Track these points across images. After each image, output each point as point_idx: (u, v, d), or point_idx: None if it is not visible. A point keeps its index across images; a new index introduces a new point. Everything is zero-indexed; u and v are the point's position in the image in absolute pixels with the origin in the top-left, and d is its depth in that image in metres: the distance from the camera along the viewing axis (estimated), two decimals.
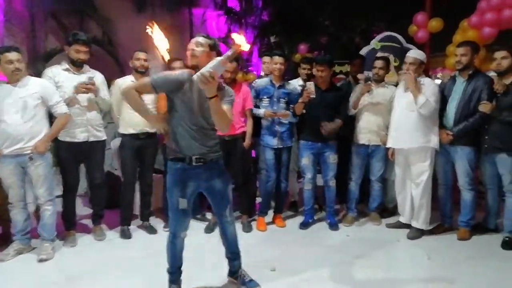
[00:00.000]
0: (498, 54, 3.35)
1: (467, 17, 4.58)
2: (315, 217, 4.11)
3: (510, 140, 3.28)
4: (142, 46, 3.69)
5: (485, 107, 3.30)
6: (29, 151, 3.12)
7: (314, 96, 3.58)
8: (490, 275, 2.89)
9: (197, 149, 2.37)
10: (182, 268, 2.61)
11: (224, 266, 2.80)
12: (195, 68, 2.30)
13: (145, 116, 2.53)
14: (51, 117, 3.31)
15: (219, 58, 2.15)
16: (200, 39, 2.36)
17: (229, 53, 2.15)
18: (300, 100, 3.70)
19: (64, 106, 3.25)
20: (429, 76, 5.12)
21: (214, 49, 2.39)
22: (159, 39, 2.45)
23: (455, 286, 2.75)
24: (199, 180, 2.43)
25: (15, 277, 2.93)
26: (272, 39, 8.20)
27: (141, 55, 3.66)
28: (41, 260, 3.14)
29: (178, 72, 2.42)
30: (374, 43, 5.09)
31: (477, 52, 3.50)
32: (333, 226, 3.93)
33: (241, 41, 2.13)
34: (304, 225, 3.94)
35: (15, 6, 5.74)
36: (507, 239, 3.39)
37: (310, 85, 3.59)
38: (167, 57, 2.45)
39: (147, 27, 2.43)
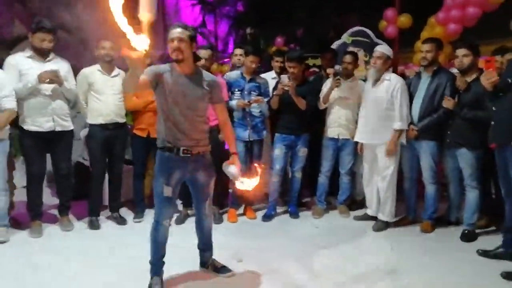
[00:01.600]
0: (459, 52, 3.43)
1: (435, 13, 4.69)
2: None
3: (470, 135, 3.40)
4: (111, 33, 3.60)
5: (448, 102, 3.42)
6: None
7: (288, 89, 3.62)
8: (448, 266, 3.01)
9: (184, 141, 2.43)
10: (164, 260, 2.60)
11: (194, 258, 2.84)
12: (181, 62, 2.37)
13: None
14: None
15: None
16: (181, 33, 2.35)
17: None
18: (275, 93, 3.75)
19: (13, 101, 3.19)
20: (403, 72, 5.25)
21: (194, 40, 2.43)
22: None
23: (415, 276, 2.85)
24: (184, 170, 2.48)
25: None
26: (248, 30, 8.14)
27: (106, 44, 3.60)
28: None
29: (162, 66, 2.45)
30: (346, 37, 5.14)
31: (441, 48, 3.62)
32: (293, 215, 4.05)
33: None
34: (267, 217, 4.00)
35: None
36: (466, 231, 3.51)
37: (284, 77, 3.64)
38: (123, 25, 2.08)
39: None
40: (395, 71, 5.11)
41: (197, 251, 2.87)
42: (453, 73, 3.62)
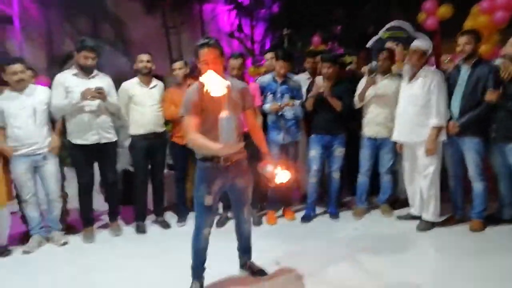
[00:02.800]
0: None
1: (477, 2, 4.45)
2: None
3: None
4: (152, 45, 3.79)
5: (491, 95, 3.24)
6: (41, 151, 3.46)
7: (323, 91, 3.60)
8: (503, 268, 2.84)
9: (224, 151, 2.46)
10: (205, 265, 2.69)
11: (234, 259, 2.93)
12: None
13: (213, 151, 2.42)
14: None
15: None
16: (214, 50, 2.40)
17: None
18: (309, 96, 3.76)
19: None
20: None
21: (222, 54, 2.50)
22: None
23: (465, 279, 2.72)
24: (224, 179, 2.55)
25: (36, 271, 3.10)
26: (284, 31, 8.15)
27: (144, 57, 3.79)
28: (25, 252, 3.40)
29: (192, 93, 2.47)
30: (382, 33, 5.01)
31: (479, 40, 3.44)
32: (333, 216, 4.02)
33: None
34: (305, 218, 3.99)
35: (30, 12, 5.96)
36: None
37: (319, 79, 3.63)
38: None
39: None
40: (437, 63, 4.93)
41: (237, 253, 2.95)
42: (495, 64, 3.41)
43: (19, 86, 3.40)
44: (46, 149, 3.49)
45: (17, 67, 3.36)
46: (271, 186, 2.83)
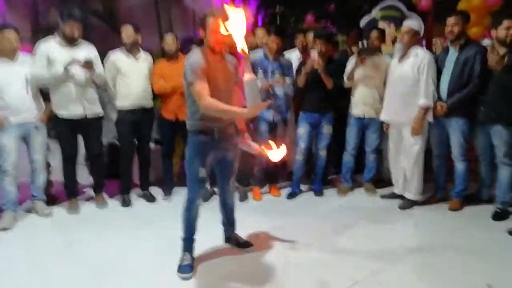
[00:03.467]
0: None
1: None
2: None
3: (506, 111, 3.24)
4: (143, 18, 3.70)
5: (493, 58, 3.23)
6: (33, 121, 3.42)
7: (317, 67, 3.60)
8: (476, 246, 2.94)
9: (219, 123, 2.48)
10: (194, 237, 2.71)
11: (220, 233, 2.98)
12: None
13: (238, 115, 2.41)
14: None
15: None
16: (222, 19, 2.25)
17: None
18: (304, 70, 3.74)
19: None
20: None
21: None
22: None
23: (441, 255, 2.80)
24: (217, 152, 2.57)
25: (19, 243, 3.09)
26: (277, 9, 8.00)
27: (128, 29, 3.69)
28: (3, 229, 3.24)
29: (198, 60, 2.38)
30: (375, 12, 4.97)
31: (468, 21, 3.44)
32: (318, 193, 4.08)
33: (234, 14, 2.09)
34: (291, 195, 4.04)
35: None
36: (498, 210, 3.41)
37: (314, 52, 3.61)
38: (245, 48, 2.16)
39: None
40: (428, 46, 4.92)
41: (221, 227, 2.98)
42: (483, 45, 3.43)
43: (12, 55, 3.31)
44: (37, 119, 3.45)
45: (12, 33, 3.27)
46: (267, 162, 2.80)
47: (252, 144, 2.62)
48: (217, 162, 2.67)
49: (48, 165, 3.79)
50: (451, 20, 3.38)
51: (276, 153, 2.46)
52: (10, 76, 3.31)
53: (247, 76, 2.13)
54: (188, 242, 2.70)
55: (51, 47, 3.41)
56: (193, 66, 2.35)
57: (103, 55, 3.74)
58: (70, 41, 3.45)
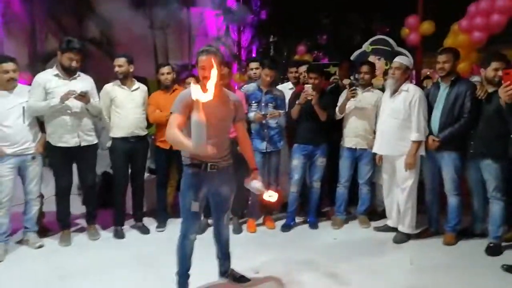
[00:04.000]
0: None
1: (459, 20, 4.59)
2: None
3: (495, 146, 3.31)
4: (138, 46, 3.76)
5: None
6: (31, 152, 3.44)
7: (311, 98, 3.67)
8: (471, 283, 2.94)
9: (211, 158, 2.47)
10: (189, 272, 2.68)
11: (214, 267, 2.93)
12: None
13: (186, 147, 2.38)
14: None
15: None
16: (212, 57, 2.38)
17: None
18: (297, 102, 3.80)
19: None
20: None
21: (222, 63, 2.53)
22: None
23: None
24: (210, 185, 2.58)
25: (10, 276, 3.03)
26: (271, 38, 8.23)
27: (120, 60, 3.74)
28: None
29: (187, 94, 2.39)
30: (366, 46, 5.12)
31: (458, 58, 3.55)
32: (313, 225, 4.08)
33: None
34: (286, 227, 4.02)
35: (13, 8, 5.84)
36: (491, 245, 3.41)
37: (308, 87, 3.68)
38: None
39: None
40: (417, 78, 5.06)
41: (217, 261, 2.95)
42: (472, 82, 3.54)
43: (10, 86, 3.34)
44: (34, 149, 3.45)
45: (10, 65, 3.30)
46: (260, 199, 2.83)
47: (256, 185, 2.63)
48: (211, 195, 2.68)
49: (41, 196, 3.75)
50: (442, 58, 3.49)
51: (270, 196, 2.58)
52: (8, 106, 3.32)
53: (195, 116, 2.14)
54: (183, 278, 2.67)
55: (49, 80, 3.44)
56: (179, 98, 2.45)
57: (100, 82, 3.78)
58: (68, 73, 3.48)
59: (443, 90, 3.54)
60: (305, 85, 3.79)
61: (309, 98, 3.69)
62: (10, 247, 3.45)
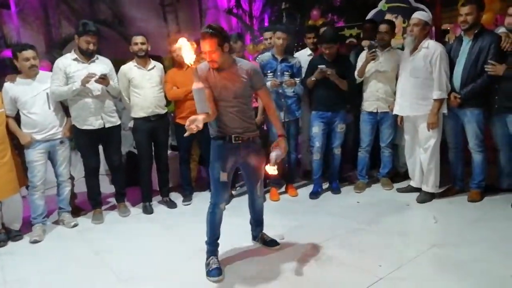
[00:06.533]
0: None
1: None
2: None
3: None
4: (151, 24, 3.74)
5: (496, 68, 3.22)
6: (59, 136, 3.54)
7: (328, 74, 3.63)
8: (498, 236, 2.93)
9: (234, 129, 2.58)
10: (218, 241, 2.77)
11: (240, 233, 3.04)
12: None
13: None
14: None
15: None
16: (211, 39, 2.39)
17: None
18: (313, 78, 3.76)
19: None
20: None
21: (226, 41, 2.48)
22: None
23: (462, 248, 2.80)
24: (237, 156, 2.65)
25: (51, 254, 3.19)
26: (283, 5, 8.00)
27: (138, 39, 3.75)
28: (35, 241, 3.35)
29: (200, 68, 2.49)
30: (381, 5, 4.93)
31: (482, 9, 3.38)
32: (335, 191, 4.10)
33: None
34: (314, 194, 4.06)
35: None
36: None
37: (322, 67, 3.63)
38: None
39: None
40: (437, 34, 4.87)
41: (243, 227, 3.06)
42: (497, 33, 3.38)
43: (32, 73, 3.42)
44: (61, 133, 3.56)
45: (30, 53, 3.36)
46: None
47: (273, 155, 2.65)
48: (241, 166, 2.76)
49: (72, 177, 3.90)
50: (464, 10, 3.33)
51: (269, 169, 2.61)
52: (33, 94, 3.42)
53: (195, 85, 2.29)
54: (213, 246, 2.76)
55: (68, 64, 3.51)
56: (195, 74, 2.42)
57: (116, 63, 3.82)
58: (87, 56, 3.54)
59: (466, 44, 3.41)
60: (319, 66, 3.68)
61: (327, 74, 3.64)
62: (48, 227, 3.64)
